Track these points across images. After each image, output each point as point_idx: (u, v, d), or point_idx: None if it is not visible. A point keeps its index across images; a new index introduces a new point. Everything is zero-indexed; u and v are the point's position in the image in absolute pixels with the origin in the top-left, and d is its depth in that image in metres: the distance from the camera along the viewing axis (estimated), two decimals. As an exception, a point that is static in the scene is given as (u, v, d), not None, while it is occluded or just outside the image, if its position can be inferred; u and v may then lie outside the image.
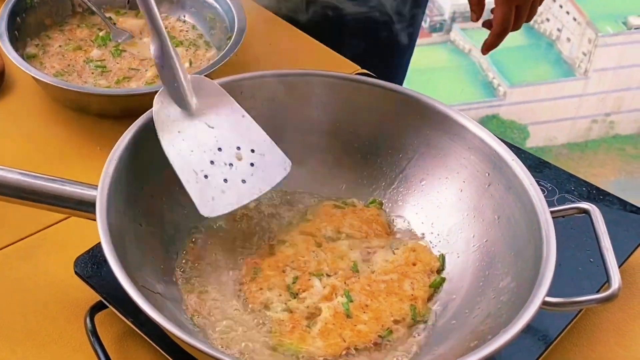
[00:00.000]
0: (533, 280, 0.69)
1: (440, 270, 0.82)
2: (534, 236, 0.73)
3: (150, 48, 0.82)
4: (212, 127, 0.82)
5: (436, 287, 0.80)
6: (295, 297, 0.77)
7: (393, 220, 0.87)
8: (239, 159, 0.81)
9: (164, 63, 0.81)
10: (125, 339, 0.78)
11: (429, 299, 0.79)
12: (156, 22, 0.81)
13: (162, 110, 0.80)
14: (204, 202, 0.77)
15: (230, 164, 0.80)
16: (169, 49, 0.81)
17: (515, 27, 1.13)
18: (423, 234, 0.86)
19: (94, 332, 0.75)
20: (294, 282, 0.78)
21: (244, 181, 0.79)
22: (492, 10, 1.12)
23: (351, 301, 0.77)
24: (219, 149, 0.80)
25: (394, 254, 0.82)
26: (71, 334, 0.79)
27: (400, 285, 0.79)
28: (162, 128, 0.79)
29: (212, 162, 0.79)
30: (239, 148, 0.81)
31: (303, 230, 0.84)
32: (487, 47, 1.15)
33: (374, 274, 0.80)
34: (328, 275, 0.79)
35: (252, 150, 0.82)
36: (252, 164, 0.81)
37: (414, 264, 0.81)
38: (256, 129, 0.83)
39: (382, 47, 1.46)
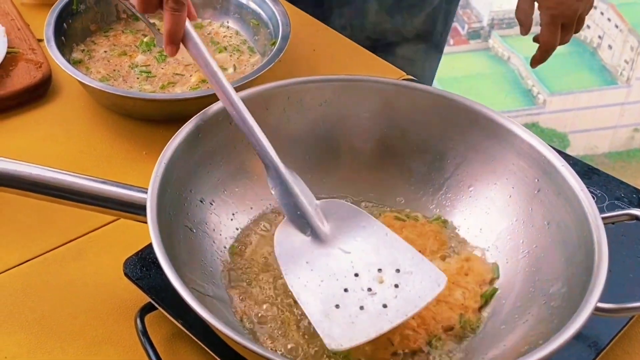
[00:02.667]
0: (585, 286, 0.68)
1: (493, 280, 0.80)
2: (585, 242, 0.72)
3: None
4: (349, 252, 0.76)
5: (488, 298, 0.78)
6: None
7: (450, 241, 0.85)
8: (380, 281, 0.74)
9: (282, 192, 0.78)
10: (174, 340, 0.79)
11: (481, 309, 0.78)
12: (268, 155, 0.78)
13: (286, 242, 0.76)
14: (332, 335, 0.69)
15: (369, 289, 0.73)
16: (282, 175, 0.78)
17: (563, 42, 1.13)
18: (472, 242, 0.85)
19: (144, 333, 0.76)
20: (341, 286, 0.77)
21: (385, 305, 0.72)
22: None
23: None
24: (356, 275, 0.74)
25: (446, 262, 0.82)
26: (120, 335, 0.79)
27: (451, 294, 0.78)
28: (287, 261, 0.75)
29: (345, 290, 0.73)
30: (380, 270, 0.75)
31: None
32: (535, 62, 1.16)
33: None
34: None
35: (397, 270, 0.75)
36: (396, 285, 0.74)
37: (467, 274, 0.80)
38: (403, 246, 0.77)
39: (415, 50, 1.46)
